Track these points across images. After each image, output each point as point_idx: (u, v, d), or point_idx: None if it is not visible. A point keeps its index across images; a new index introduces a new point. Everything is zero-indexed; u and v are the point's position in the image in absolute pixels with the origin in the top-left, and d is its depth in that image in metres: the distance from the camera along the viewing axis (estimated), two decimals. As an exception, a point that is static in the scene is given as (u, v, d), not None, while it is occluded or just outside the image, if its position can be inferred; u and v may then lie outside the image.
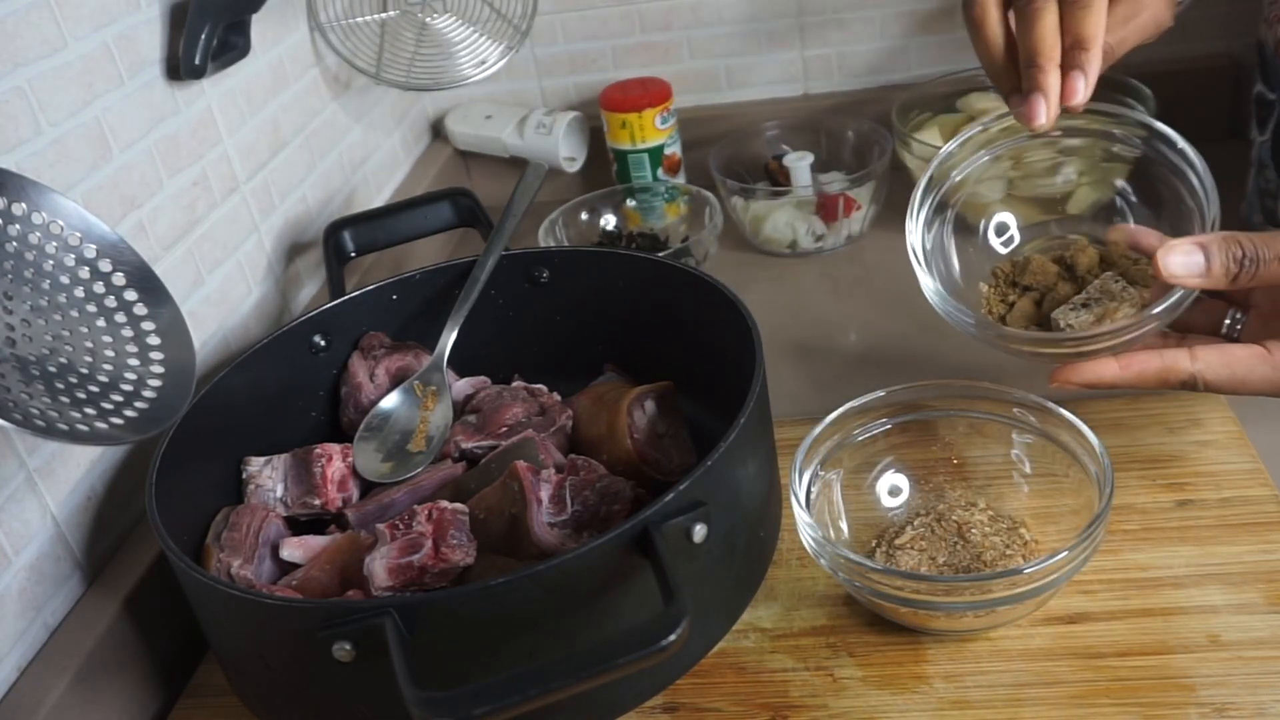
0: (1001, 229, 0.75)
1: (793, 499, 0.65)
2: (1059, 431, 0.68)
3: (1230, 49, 1.11)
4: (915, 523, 0.70)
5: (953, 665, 0.62)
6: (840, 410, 0.70)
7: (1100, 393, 0.70)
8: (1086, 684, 0.60)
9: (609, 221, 1.10)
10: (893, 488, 0.72)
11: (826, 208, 1.06)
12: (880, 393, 0.71)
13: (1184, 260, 0.61)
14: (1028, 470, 0.70)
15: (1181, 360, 0.63)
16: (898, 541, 0.69)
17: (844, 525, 0.70)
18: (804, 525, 0.64)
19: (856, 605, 0.67)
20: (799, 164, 1.09)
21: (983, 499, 0.71)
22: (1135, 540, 0.68)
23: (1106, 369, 0.64)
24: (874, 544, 0.70)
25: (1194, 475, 0.71)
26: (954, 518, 0.70)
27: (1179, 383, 0.64)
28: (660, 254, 0.98)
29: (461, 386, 0.82)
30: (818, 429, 0.69)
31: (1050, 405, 0.68)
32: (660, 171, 1.16)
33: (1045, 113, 0.64)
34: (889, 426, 0.72)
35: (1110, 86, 0.99)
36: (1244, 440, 0.73)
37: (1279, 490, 0.69)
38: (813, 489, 0.68)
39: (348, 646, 0.53)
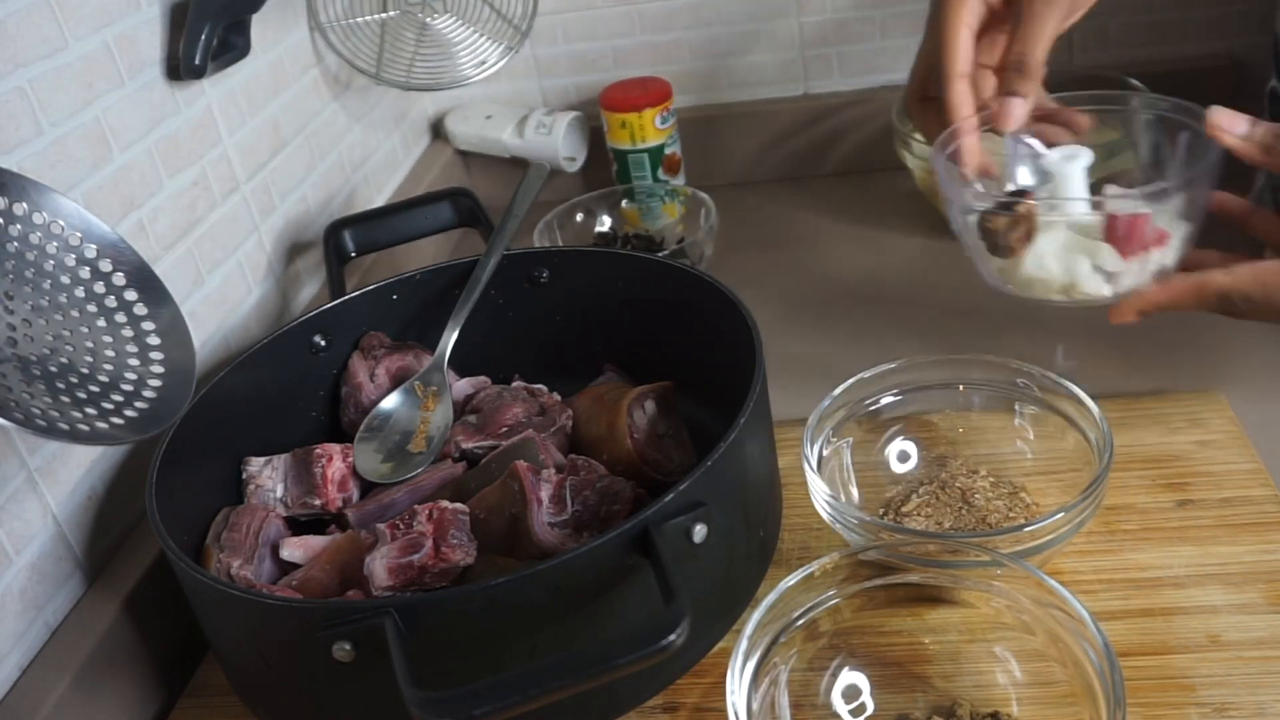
0: None
1: (805, 466, 0.67)
2: (1060, 401, 0.70)
3: (1230, 49, 1.11)
4: (920, 490, 0.72)
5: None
6: (850, 381, 0.73)
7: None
8: (1086, 684, 0.60)
9: (604, 223, 1.10)
10: (901, 454, 0.75)
11: (1126, 234, 0.68)
12: (889, 364, 0.74)
13: (1230, 118, 0.65)
14: (1030, 438, 0.73)
15: (1215, 276, 0.64)
16: (905, 509, 0.71)
17: (854, 491, 0.72)
18: (817, 490, 0.66)
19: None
20: (1070, 166, 0.72)
21: (985, 466, 0.73)
22: (1135, 540, 0.68)
23: (1149, 295, 0.67)
24: (881, 513, 0.72)
25: (1194, 475, 0.71)
26: (957, 485, 0.72)
27: (1215, 297, 0.65)
28: (657, 255, 0.98)
29: (462, 386, 0.82)
30: (828, 400, 0.72)
31: (1052, 376, 0.70)
32: (660, 171, 1.16)
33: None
34: (899, 397, 0.74)
35: (1110, 86, 0.99)
36: (1244, 440, 0.73)
37: (1279, 490, 0.69)
38: (824, 456, 0.71)
39: (348, 646, 0.53)
